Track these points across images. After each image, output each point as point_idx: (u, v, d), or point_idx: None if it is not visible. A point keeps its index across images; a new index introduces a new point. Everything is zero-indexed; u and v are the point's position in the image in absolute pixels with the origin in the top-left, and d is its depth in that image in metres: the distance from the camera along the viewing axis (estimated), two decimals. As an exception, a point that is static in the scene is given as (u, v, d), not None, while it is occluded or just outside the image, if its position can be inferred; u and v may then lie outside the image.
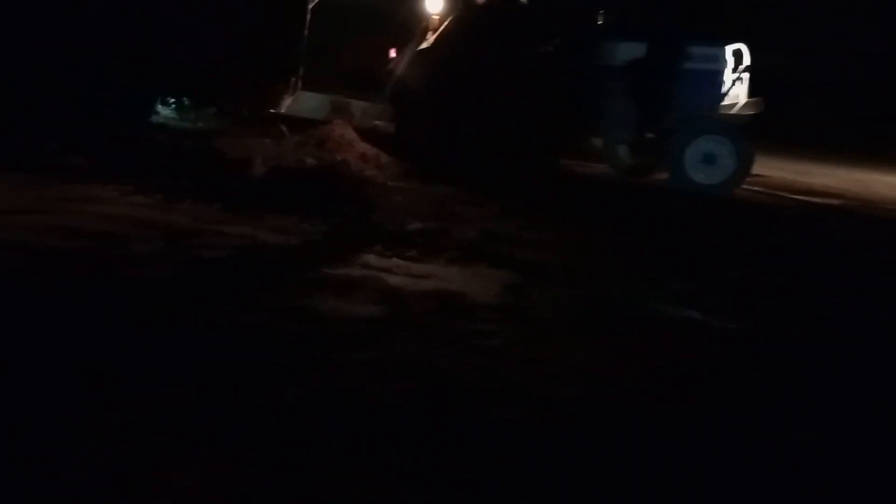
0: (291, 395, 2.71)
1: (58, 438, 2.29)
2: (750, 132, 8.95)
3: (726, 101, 9.00)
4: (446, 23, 8.49)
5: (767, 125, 9.51)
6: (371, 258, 4.49)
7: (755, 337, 3.92)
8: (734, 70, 8.99)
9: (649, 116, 8.83)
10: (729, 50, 8.98)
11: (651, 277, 4.77)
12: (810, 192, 9.81)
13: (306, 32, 8.18)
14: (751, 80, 9.17)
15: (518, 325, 3.68)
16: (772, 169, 10.87)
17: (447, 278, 4.28)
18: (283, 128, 8.03)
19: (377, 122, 8.78)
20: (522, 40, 8.52)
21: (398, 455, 2.39)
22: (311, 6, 8.24)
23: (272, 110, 8.34)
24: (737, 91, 9.07)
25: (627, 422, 2.82)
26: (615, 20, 9.19)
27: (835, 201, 9.34)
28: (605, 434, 2.71)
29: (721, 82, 8.92)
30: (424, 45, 8.64)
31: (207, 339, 3.14)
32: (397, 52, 8.96)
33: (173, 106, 8.50)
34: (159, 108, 7.96)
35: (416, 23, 8.86)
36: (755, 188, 9.43)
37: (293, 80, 8.31)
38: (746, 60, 9.07)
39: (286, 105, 8.37)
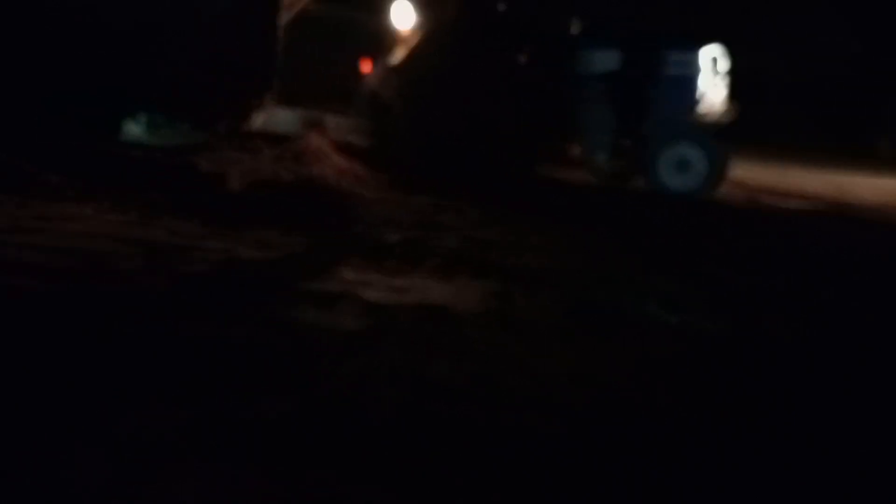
0: (281, 407, 2.68)
1: (48, 459, 2.25)
2: (726, 136, 9.00)
3: (702, 106, 9.04)
4: (419, 36, 8.52)
5: (746, 128, 9.58)
6: (352, 271, 4.47)
7: (740, 338, 3.93)
8: (710, 74, 9.03)
9: (625, 122, 8.87)
10: (704, 53, 9.02)
11: (636, 280, 4.79)
12: (787, 194, 9.89)
13: (280, 48, 8.16)
14: (730, 83, 9.21)
15: (504, 331, 3.68)
16: (749, 171, 10.97)
17: (430, 288, 4.27)
18: (260, 142, 8.01)
19: (351, 136, 8.78)
20: (498, 50, 8.57)
21: (393, 463, 2.38)
22: (284, 22, 8.22)
23: (247, 126, 8.31)
24: (713, 95, 9.11)
25: (619, 422, 2.83)
26: (589, 26, 9.23)
27: (808, 205, 9.42)
28: (599, 435, 2.72)
29: (695, 87, 8.95)
30: (397, 59, 8.67)
31: (193, 353, 3.11)
32: (370, 66, 8.97)
33: (145, 122, 8.44)
34: (131, 124, 7.91)
35: (388, 36, 8.88)
36: (733, 192, 9.50)
37: (267, 95, 8.28)
38: (723, 63, 9.12)
39: (260, 120, 8.34)
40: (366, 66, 8.94)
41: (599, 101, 8.78)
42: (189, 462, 2.28)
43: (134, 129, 8.10)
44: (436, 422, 2.69)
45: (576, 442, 2.64)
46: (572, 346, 3.60)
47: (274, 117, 8.42)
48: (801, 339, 3.96)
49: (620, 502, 2.31)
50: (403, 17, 8.72)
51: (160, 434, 2.42)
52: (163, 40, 7.69)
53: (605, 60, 8.84)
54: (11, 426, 2.41)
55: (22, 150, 6.07)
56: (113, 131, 7.89)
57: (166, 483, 2.17)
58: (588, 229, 6.56)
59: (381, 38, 8.83)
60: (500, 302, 4.10)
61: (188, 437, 2.42)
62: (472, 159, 8.04)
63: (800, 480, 2.51)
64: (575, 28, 9.26)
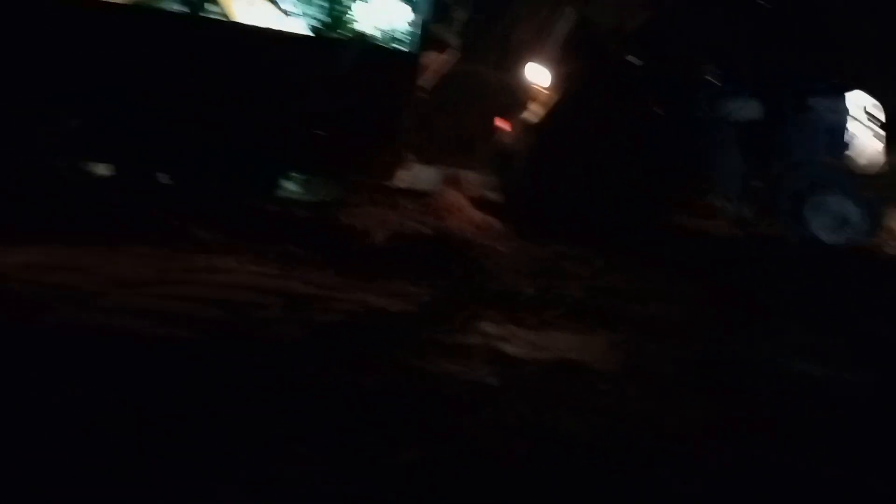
0: (414, 454, 2.73)
1: (186, 497, 2.37)
2: (879, 184, 8.57)
3: (849, 152, 8.66)
4: (551, 91, 8.62)
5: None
6: (484, 321, 4.50)
7: (879, 390, 3.73)
8: (856, 119, 8.67)
9: (763, 170, 8.61)
10: (849, 98, 8.68)
11: (772, 331, 4.62)
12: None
13: (417, 107, 8.41)
14: (881, 128, 8.80)
15: (632, 383, 3.63)
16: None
17: (559, 338, 4.27)
18: (399, 197, 8.24)
19: (486, 190, 8.92)
20: (627, 98, 8.54)
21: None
22: (425, 83, 8.49)
23: (387, 182, 8.56)
24: (861, 141, 8.72)
25: (746, 477, 2.73)
26: (724, 72, 9.02)
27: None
28: (734, 492, 2.62)
29: (843, 134, 8.59)
30: (529, 115, 8.78)
31: (328, 400, 3.20)
32: (503, 123, 9.12)
33: (295, 179, 8.84)
34: (282, 181, 8.36)
35: (522, 95, 9.01)
36: (888, 242, 8.97)
37: (407, 153, 8.54)
38: (875, 111, 8.74)
39: (400, 177, 8.59)
40: (500, 124, 9.09)
41: (736, 148, 8.57)
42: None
43: (286, 185, 8.53)
44: (562, 472, 2.67)
45: (705, 499, 2.57)
46: (702, 399, 3.50)
47: (414, 173, 8.65)
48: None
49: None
50: (536, 76, 8.85)
51: (294, 475, 2.50)
52: (312, 102, 8.07)
53: (741, 106, 8.63)
54: (152, 465, 2.54)
55: (175, 206, 6.46)
56: (267, 188, 8.33)
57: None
58: (720, 277, 6.35)
59: (515, 96, 8.97)
60: (627, 353, 4.05)
61: (321, 480, 2.49)
62: (601, 208, 8.01)
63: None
64: (709, 73, 9.08)
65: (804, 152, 8.51)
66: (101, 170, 7.78)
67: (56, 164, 7.20)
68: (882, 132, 8.79)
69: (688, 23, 8.88)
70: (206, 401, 3.11)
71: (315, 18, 10.44)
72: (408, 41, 10.05)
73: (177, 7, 9.32)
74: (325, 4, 10.62)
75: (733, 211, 8.88)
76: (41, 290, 4.27)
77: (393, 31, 10.69)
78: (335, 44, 9.99)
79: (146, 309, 4.21)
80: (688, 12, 8.88)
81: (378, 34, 10.64)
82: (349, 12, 10.77)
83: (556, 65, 8.79)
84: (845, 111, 8.60)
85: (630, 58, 8.90)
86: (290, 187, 8.63)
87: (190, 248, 5.71)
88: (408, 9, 10.51)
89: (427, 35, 9.25)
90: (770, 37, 8.95)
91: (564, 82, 8.63)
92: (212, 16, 9.26)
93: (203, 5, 9.47)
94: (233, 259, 5.56)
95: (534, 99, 8.79)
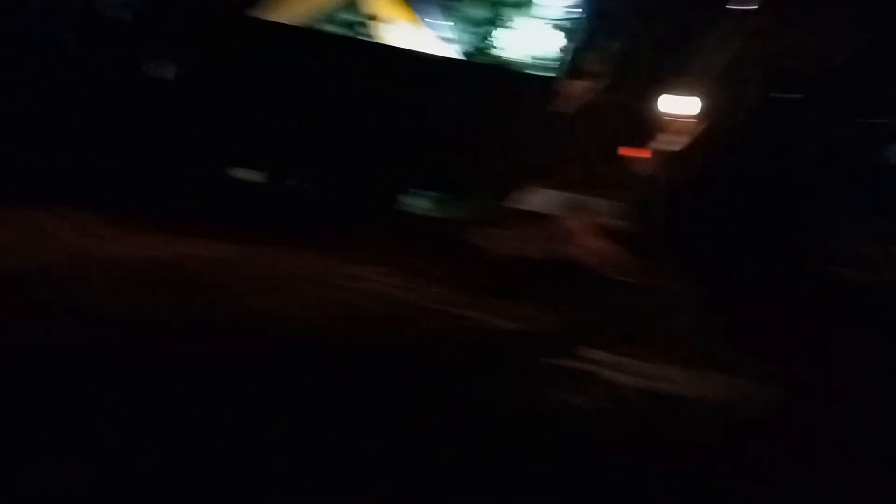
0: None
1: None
2: None
3: None
4: (704, 124, 8.51)
5: None
6: (595, 351, 4.60)
7: None
8: None
9: None
10: None
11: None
12: None
13: (552, 132, 8.58)
14: None
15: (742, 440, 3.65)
16: None
17: (672, 380, 4.31)
18: (523, 221, 8.40)
19: (614, 220, 8.92)
20: (786, 146, 8.32)
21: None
22: (558, 108, 8.64)
23: (514, 204, 8.73)
24: None
25: None
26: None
27: None
28: None
29: None
30: (670, 145, 8.71)
31: (438, 419, 3.40)
32: (636, 152, 9.08)
33: (426, 197, 9.19)
34: (413, 198, 8.73)
35: (656, 124, 8.97)
36: None
37: (536, 177, 8.70)
38: None
39: (528, 200, 8.74)
40: (631, 153, 9.05)
41: None
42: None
43: (420, 202, 8.89)
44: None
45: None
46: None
47: (541, 197, 8.78)
48: None
49: None
50: (679, 106, 8.78)
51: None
52: (449, 121, 8.40)
53: None
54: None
55: (317, 211, 6.87)
56: (403, 203, 8.75)
57: None
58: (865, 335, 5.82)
59: (652, 125, 8.94)
60: (742, 403, 4.05)
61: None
62: (741, 249, 7.72)
63: None
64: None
65: None
66: (252, 176, 8.32)
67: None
68: None
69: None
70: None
71: (467, 43, 10.78)
72: (553, 67, 10.22)
73: (337, 30, 9.85)
74: (479, 30, 10.96)
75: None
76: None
77: (540, 56, 10.89)
78: (477, 67, 10.31)
79: (292, 304, 4.65)
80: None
81: (524, 59, 10.87)
82: (499, 37, 11.06)
83: (707, 96, 8.68)
84: None
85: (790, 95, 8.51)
86: (420, 203, 8.95)
87: (333, 252, 6.07)
88: (559, 36, 10.70)
89: (573, 62, 9.40)
90: None
91: (716, 114, 8.51)
92: (366, 38, 9.76)
93: (359, 28, 9.98)
94: (370, 269, 5.87)
95: (674, 129, 8.72)
